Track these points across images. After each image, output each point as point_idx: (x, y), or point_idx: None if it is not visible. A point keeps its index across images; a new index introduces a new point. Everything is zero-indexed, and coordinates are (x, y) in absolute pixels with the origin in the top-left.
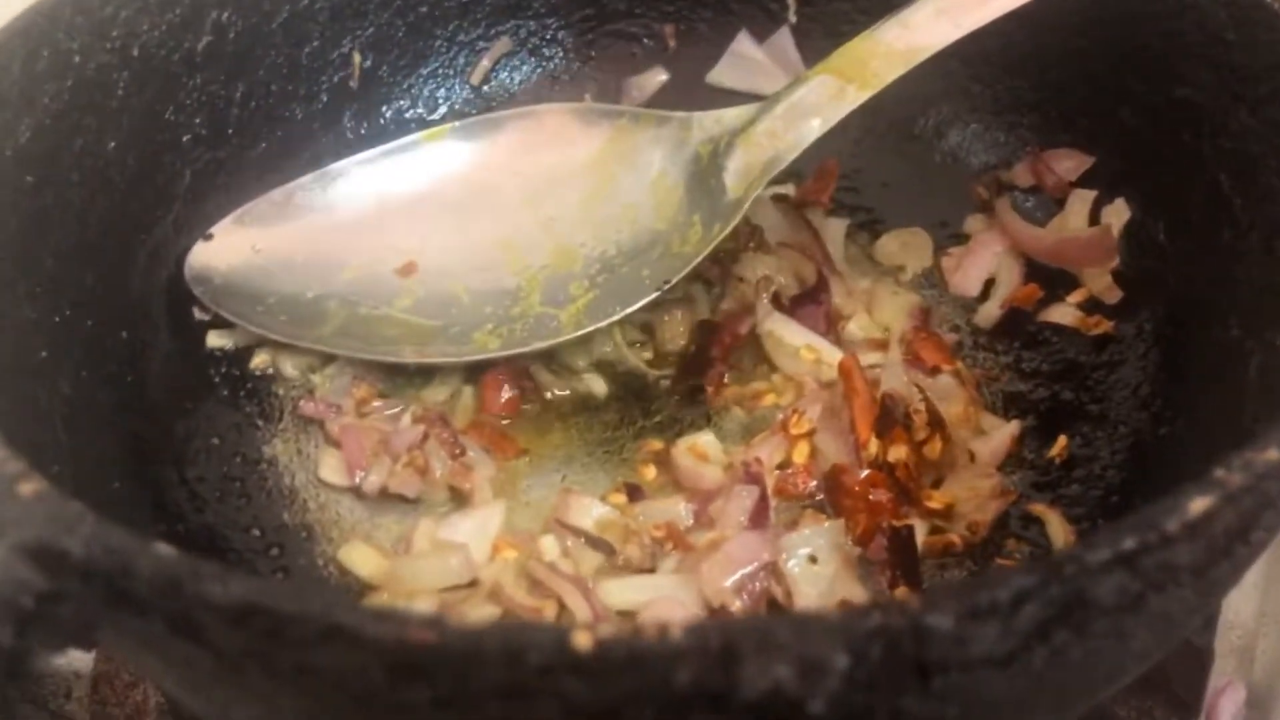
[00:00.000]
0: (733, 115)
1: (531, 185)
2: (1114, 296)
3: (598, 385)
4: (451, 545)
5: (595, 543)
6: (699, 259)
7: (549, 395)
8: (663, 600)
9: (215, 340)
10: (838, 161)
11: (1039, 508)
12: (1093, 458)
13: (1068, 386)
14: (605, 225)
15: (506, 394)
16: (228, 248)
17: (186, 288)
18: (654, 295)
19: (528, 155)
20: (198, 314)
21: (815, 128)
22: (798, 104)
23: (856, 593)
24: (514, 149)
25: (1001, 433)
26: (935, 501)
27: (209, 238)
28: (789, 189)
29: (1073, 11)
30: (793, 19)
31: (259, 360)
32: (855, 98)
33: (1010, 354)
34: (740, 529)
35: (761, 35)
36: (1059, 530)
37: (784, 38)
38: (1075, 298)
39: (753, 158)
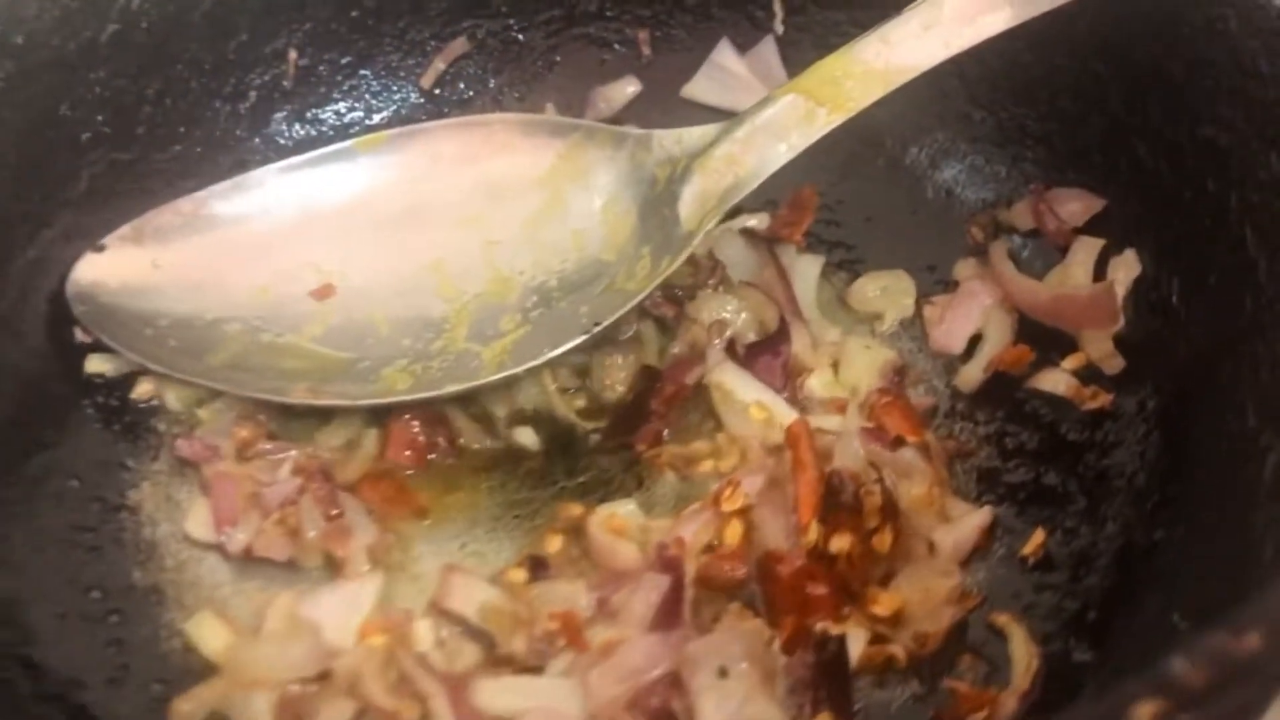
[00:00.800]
0: (694, 136)
1: (473, 203)
2: (1115, 366)
3: (525, 437)
4: (304, 628)
5: (475, 634)
6: (639, 299)
7: (469, 446)
8: (541, 711)
9: (95, 365)
10: (816, 191)
11: (1003, 618)
12: (1074, 559)
13: (1053, 469)
14: (548, 252)
15: (414, 441)
16: (122, 261)
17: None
18: (582, 338)
19: (471, 169)
20: (79, 335)
21: (780, 154)
22: (763, 126)
23: (770, 716)
24: (457, 161)
25: (969, 522)
26: (881, 605)
27: (100, 249)
28: (761, 220)
29: (1088, 33)
30: (779, 29)
31: (142, 390)
32: (826, 122)
33: (991, 425)
34: (643, 628)
35: (744, 45)
36: (1022, 650)
37: (768, 49)
38: (1071, 364)
39: (710, 184)
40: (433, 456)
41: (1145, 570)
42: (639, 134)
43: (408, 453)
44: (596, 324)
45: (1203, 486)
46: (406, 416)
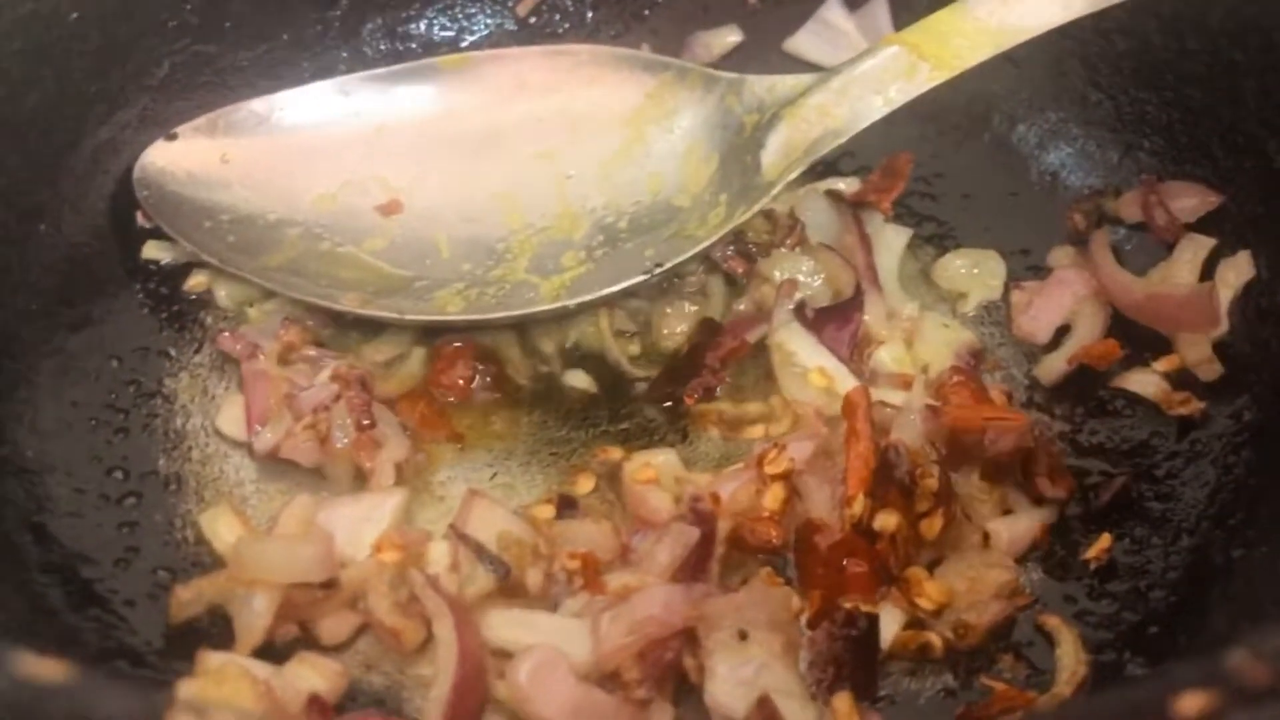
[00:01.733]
0: (788, 84)
1: (552, 135)
2: (1212, 372)
3: (577, 379)
4: (316, 534)
5: (491, 561)
6: (707, 243)
7: (513, 379)
8: (546, 648)
9: (152, 251)
10: (912, 159)
11: (1054, 621)
12: (1140, 569)
13: (1130, 473)
14: (622, 192)
15: (462, 370)
16: (192, 152)
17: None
18: (643, 278)
19: (555, 100)
20: (140, 220)
21: (876, 108)
22: (860, 78)
23: (788, 688)
24: (541, 90)
25: (1030, 517)
26: (926, 596)
27: (173, 137)
28: (851, 184)
29: (1226, 17)
30: None
31: (195, 281)
32: (929, 79)
33: (1069, 420)
34: (665, 578)
35: (855, 2)
36: (1070, 656)
37: (880, 7)
38: (1163, 365)
39: (797, 134)
40: (477, 387)
41: (1217, 590)
42: (731, 78)
43: (456, 380)
44: (659, 265)
45: None
46: (458, 344)
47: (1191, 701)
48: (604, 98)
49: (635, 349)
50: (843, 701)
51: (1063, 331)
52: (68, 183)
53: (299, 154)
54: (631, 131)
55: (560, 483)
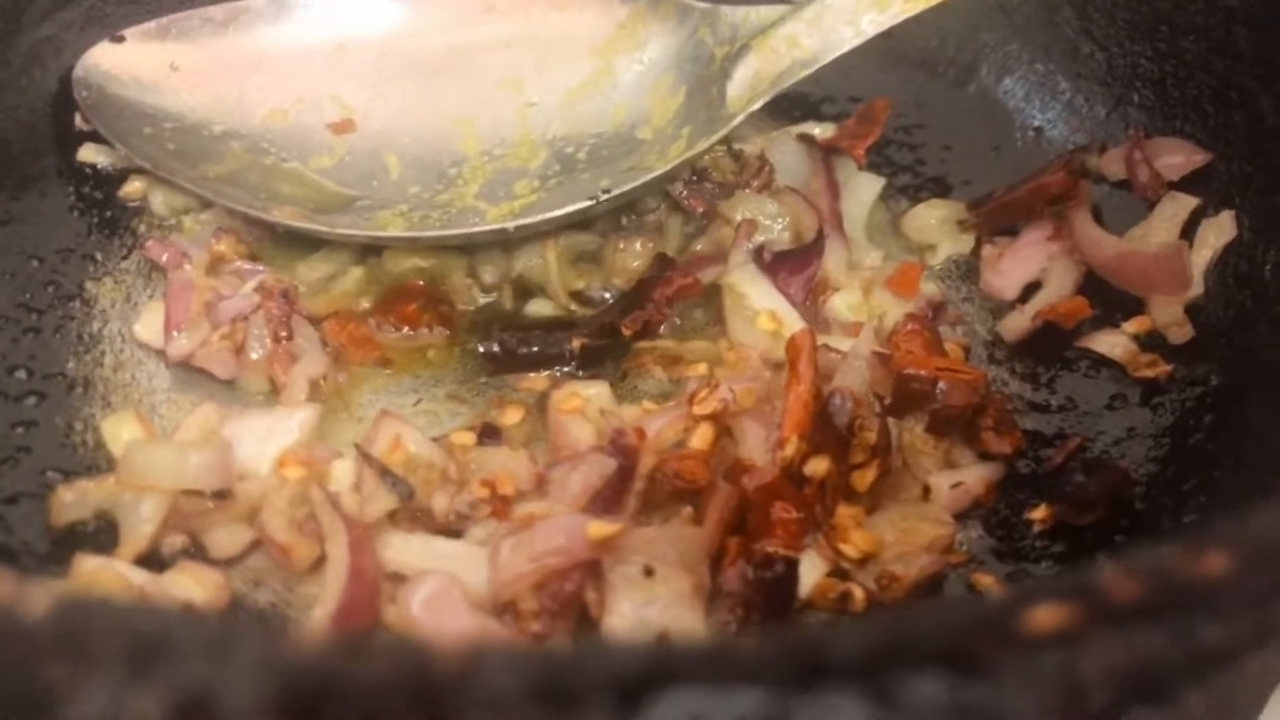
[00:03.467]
0: (761, 14)
1: (518, 62)
2: (1182, 335)
3: (537, 305)
4: (212, 441)
5: (394, 482)
6: (660, 172)
7: (455, 307)
8: (440, 574)
9: (88, 155)
10: (889, 106)
11: (987, 581)
12: (1085, 537)
13: (1085, 436)
14: (585, 123)
15: (410, 307)
16: (139, 56)
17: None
18: (587, 203)
19: (523, 25)
20: (79, 122)
21: (845, 39)
22: (832, 7)
23: (690, 629)
24: (509, 13)
25: (974, 473)
26: (849, 542)
27: (119, 39)
28: (826, 129)
29: None
30: None
31: (131, 188)
32: (901, 10)
33: (1030, 380)
34: (575, 507)
35: None
36: None
37: None
38: (1133, 327)
39: (764, 65)
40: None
41: None
42: (705, 8)
43: (404, 315)
44: (606, 191)
45: (1250, 483)
46: (412, 284)
47: (1047, 615)
48: (574, 25)
49: (581, 284)
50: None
51: (1032, 289)
52: (2, 78)
53: (253, 66)
54: (600, 61)
55: (486, 413)
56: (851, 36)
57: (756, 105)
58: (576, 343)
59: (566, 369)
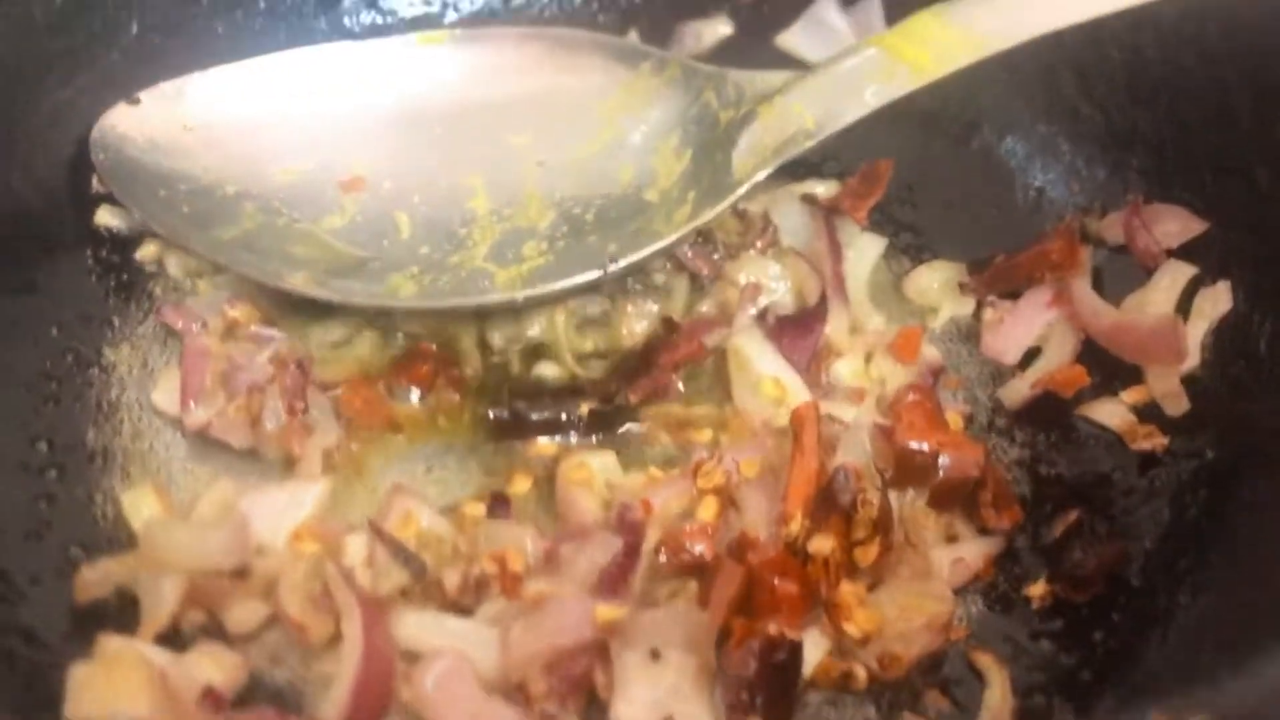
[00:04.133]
0: (766, 80)
1: (527, 120)
2: (1178, 407)
3: (544, 368)
4: (230, 519)
5: (407, 558)
6: (667, 241)
7: (464, 372)
8: (452, 653)
9: (105, 218)
10: (891, 166)
11: (986, 659)
12: (1083, 612)
13: (1084, 507)
14: (592, 182)
15: (421, 372)
16: (155, 118)
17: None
18: (597, 273)
19: (532, 84)
20: (95, 185)
21: (850, 111)
22: (838, 78)
23: (697, 712)
24: (519, 73)
25: (975, 546)
26: (853, 621)
27: (135, 101)
28: (829, 188)
29: (1223, 36)
30: None
31: (147, 251)
32: (907, 82)
33: (1029, 448)
34: (584, 588)
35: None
36: (998, 698)
37: (873, 6)
38: (1131, 397)
39: (769, 133)
40: (439, 387)
41: (1156, 636)
42: (711, 71)
43: (418, 379)
44: (613, 259)
45: (1248, 562)
46: (425, 345)
47: None
48: (580, 86)
49: (589, 345)
50: None
51: (1033, 353)
52: (22, 142)
53: (265, 125)
54: (606, 122)
55: (496, 481)
56: (856, 108)
57: (761, 175)
58: (585, 409)
59: (575, 435)
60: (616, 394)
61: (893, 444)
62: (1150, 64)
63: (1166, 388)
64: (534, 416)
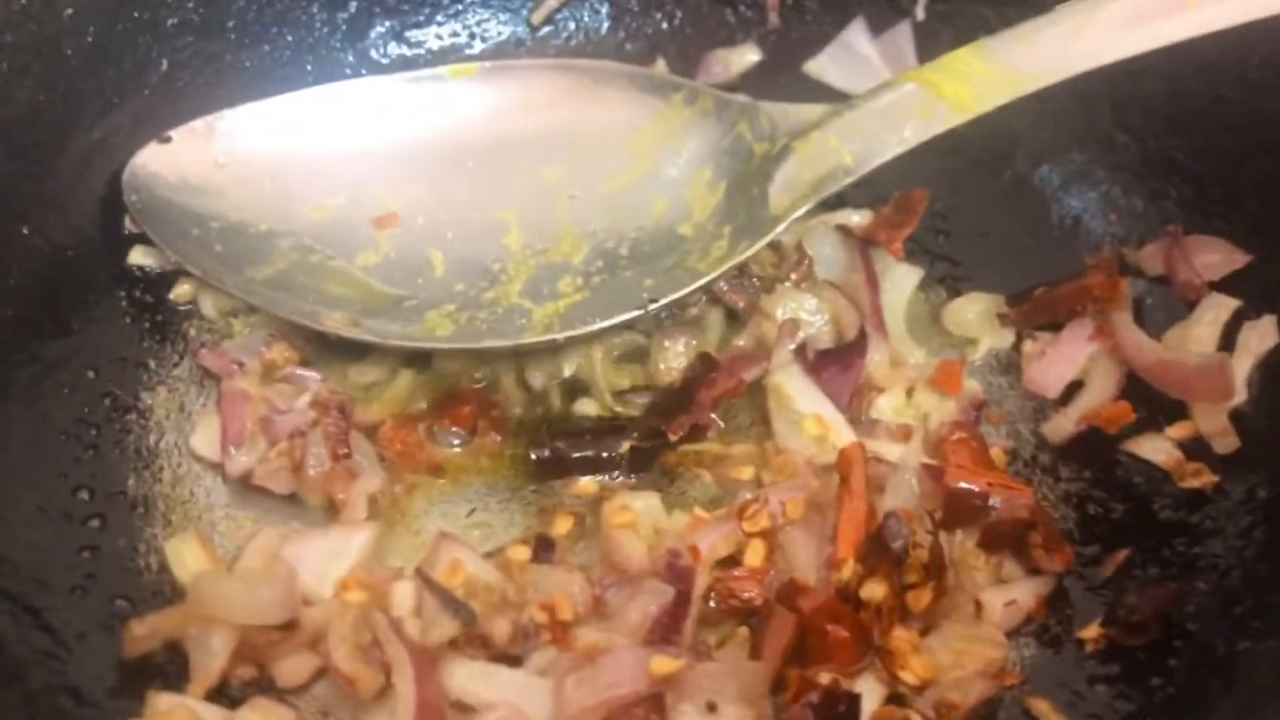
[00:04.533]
0: (801, 113)
1: (558, 153)
2: (1227, 445)
3: (584, 405)
4: (280, 571)
5: (456, 608)
6: (706, 280)
7: (507, 413)
8: (507, 708)
9: (138, 257)
10: (926, 197)
11: (1042, 706)
12: (1139, 657)
13: (1135, 548)
14: (626, 217)
15: (461, 414)
16: (186, 155)
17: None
18: (636, 313)
19: (563, 116)
20: (128, 225)
21: (889, 146)
22: (876, 113)
23: None
24: (549, 106)
25: (1025, 587)
26: (909, 669)
27: (166, 140)
28: (863, 217)
29: (1263, 65)
30: (920, 15)
31: (181, 291)
32: (946, 119)
33: (1074, 484)
34: (636, 639)
35: (879, 27)
36: None
37: (903, 35)
38: (1177, 432)
39: (806, 168)
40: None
41: (1217, 682)
42: (744, 103)
43: (460, 422)
44: (653, 300)
45: None
46: (464, 389)
47: None
48: (611, 117)
49: (626, 382)
50: None
51: (1075, 386)
52: (54, 184)
53: (297, 161)
54: (638, 154)
55: (540, 524)
56: (895, 144)
57: (799, 212)
58: (626, 446)
59: (616, 473)
60: (656, 431)
61: (942, 485)
62: (1188, 94)
63: (1215, 425)
64: (575, 455)
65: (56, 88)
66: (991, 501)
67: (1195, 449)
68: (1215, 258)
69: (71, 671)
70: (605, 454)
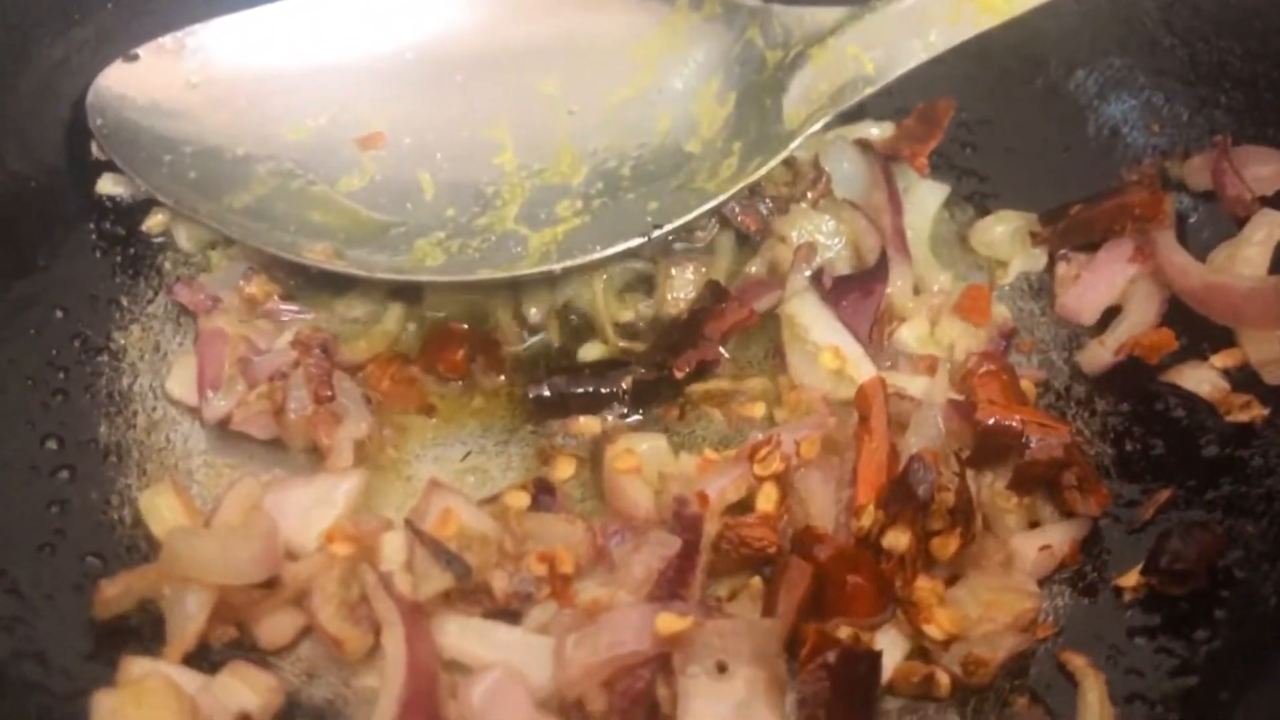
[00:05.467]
0: (817, 18)
1: (555, 66)
2: (1279, 375)
3: (589, 350)
4: (257, 528)
5: (449, 560)
6: (716, 202)
7: (504, 348)
8: (504, 668)
9: (107, 186)
10: (953, 107)
11: (1079, 662)
12: (1182, 606)
13: (1177, 488)
14: (628, 133)
15: (457, 352)
16: (155, 75)
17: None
18: (640, 240)
19: (560, 25)
20: (95, 151)
21: (914, 53)
22: (899, 17)
23: None
24: (545, 13)
25: (1059, 531)
26: (933, 622)
27: (133, 58)
28: (884, 130)
29: None
30: None
31: (154, 221)
32: (975, 23)
33: (1111, 418)
34: (641, 593)
35: None
36: (1095, 708)
37: None
38: (1222, 361)
39: (824, 78)
40: (476, 368)
41: (1269, 636)
42: (755, 6)
43: (452, 362)
44: (658, 226)
45: None
46: (451, 324)
47: None
48: (612, 25)
49: (630, 314)
50: None
51: (1112, 312)
52: (12, 108)
53: (274, 79)
54: (641, 64)
55: (538, 465)
56: (920, 50)
57: (816, 126)
58: (628, 381)
59: (619, 410)
60: (661, 366)
61: (971, 423)
62: None
63: (1265, 354)
64: (574, 391)
65: (9, 1)
66: (1028, 439)
67: (1243, 379)
68: (1268, 170)
69: (40, 636)
70: (606, 389)
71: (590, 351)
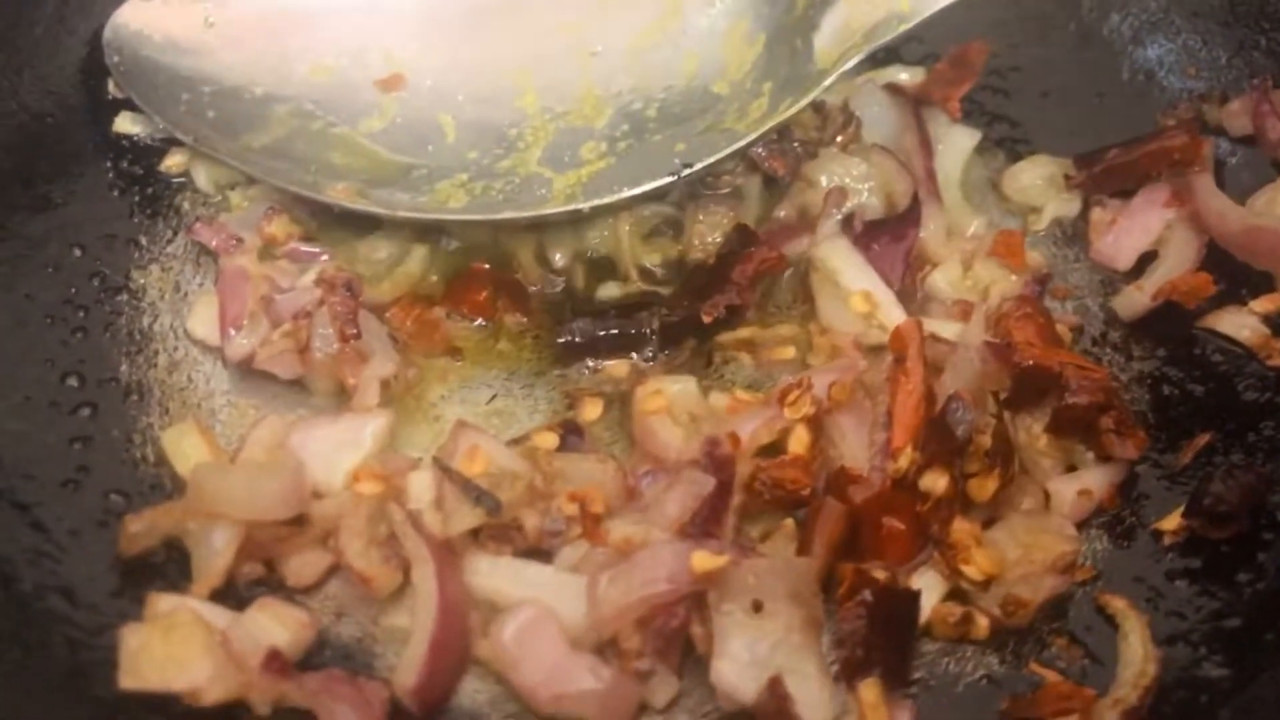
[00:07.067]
0: None
1: (579, 6)
2: None
3: (607, 289)
4: (286, 463)
5: (478, 495)
6: (745, 142)
7: (529, 289)
8: (536, 605)
9: (125, 125)
10: (986, 50)
11: (1119, 604)
12: (1225, 550)
13: (1216, 430)
14: (654, 74)
15: (481, 293)
16: (173, 12)
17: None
18: (668, 179)
19: None
20: (112, 89)
21: None
22: None
23: (805, 669)
24: None
25: (1097, 475)
26: (971, 563)
27: None
28: (915, 74)
29: None
30: None
31: (173, 161)
32: None
33: (1148, 363)
34: (673, 532)
35: None
36: (1138, 649)
37: None
38: (1263, 306)
39: (858, 15)
40: (500, 309)
41: None
42: None
43: (477, 303)
44: (687, 166)
45: None
46: (474, 263)
47: None
48: None
49: (657, 258)
50: (870, 690)
51: (1148, 258)
52: (28, 44)
53: (294, 18)
54: (667, 6)
55: (565, 408)
56: None
57: (849, 65)
58: (656, 321)
59: (647, 352)
60: (690, 313)
61: (1009, 365)
62: None
63: None
64: (601, 333)
65: None
66: (1068, 381)
67: None
68: None
69: (65, 571)
70: (634, 330)
71: (608, 290)
